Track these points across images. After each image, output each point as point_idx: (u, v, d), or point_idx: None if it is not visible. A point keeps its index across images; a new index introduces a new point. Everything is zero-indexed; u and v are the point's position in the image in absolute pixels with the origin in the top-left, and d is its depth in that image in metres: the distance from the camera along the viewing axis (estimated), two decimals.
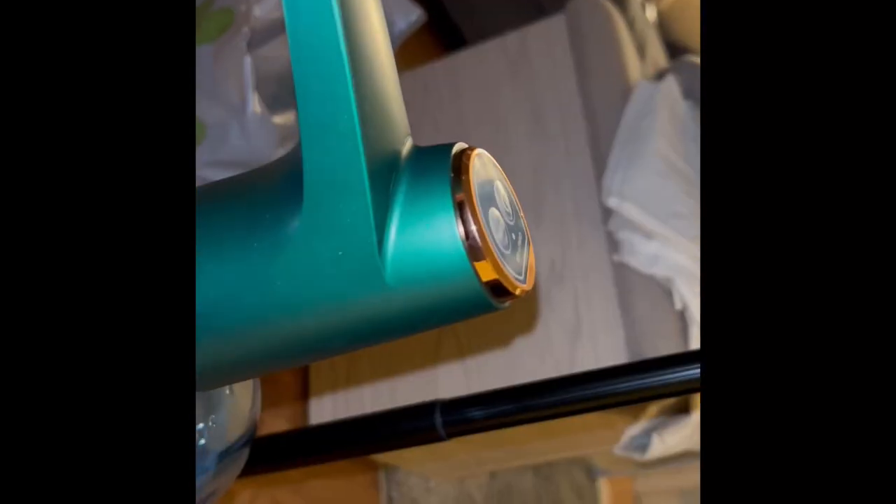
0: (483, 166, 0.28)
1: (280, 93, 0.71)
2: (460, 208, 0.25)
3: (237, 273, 0.26)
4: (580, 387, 0.42)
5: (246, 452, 0.42)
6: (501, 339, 0.87)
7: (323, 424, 0.48)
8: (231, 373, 0.31)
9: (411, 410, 0.45)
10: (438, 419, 0.44)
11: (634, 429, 0.92)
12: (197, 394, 0.36)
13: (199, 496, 0.39)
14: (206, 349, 0.28)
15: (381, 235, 0.25)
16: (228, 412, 0.39)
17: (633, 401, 0.43)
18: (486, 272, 0.25)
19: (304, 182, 0.25)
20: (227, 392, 0.39)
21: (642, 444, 0.92)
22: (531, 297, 0.87)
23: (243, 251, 0.26)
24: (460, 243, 0.25)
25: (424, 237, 0.25)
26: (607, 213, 0.87)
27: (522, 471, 1.45)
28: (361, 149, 0.24)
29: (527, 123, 1.00)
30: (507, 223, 0.28)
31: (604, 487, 1.76)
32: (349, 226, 0.25)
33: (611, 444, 1.03)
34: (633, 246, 0.83)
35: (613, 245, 0.87)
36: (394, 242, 0.25)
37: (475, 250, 0.25)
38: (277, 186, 0.27)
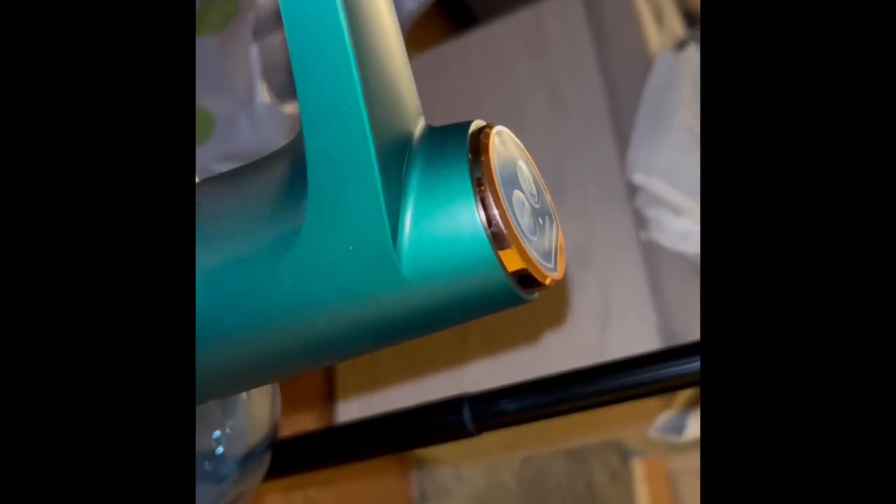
0: (503, 145, 0.25)
1: (289, 82, 0.69)
2: (481, 192, 0.23)
3: (242, 274, 0.24)
4: (614, 376, 0.40)
5: (268, 457, 0.40)
6: (529, 333, 0.85)
7: (349, 423, 0.46)
8: (245, 379, 0.29)
9: (438, 406, 0.43)
10: (467, 414, 0.42)
11: (668, 412, 0.90)
12: (212, 401, 0.35)
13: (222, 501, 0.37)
14: (216, 355, 0.26)
15: (394, 226, 0.23)
16: (246, 417, 0.37)
17: (671, 388, 0.41)
18: (512, 261, 0.23)
19: (308, 171, 0.23)
20: (245, 397, 0.37)
21: (679, 425, 0.90)
22: (560, 286, 0.84)
23: (247, 250, 0.24)
24: (482, 231, 0.23)
25: (442, 226, 0.23)
26: (632, 190, 0.84)
27: (554, 455, 1.43)
28: (369, 130, 0.22)
29: (544, 102, 0.97)
30: (532, 206, 0.25)
31: (638, 468, 1.74)
32: (360, 217, 0.23)
33: (644, 426, 1.01)
34: (662, 222, 0.80)
35: (640, 223, 0.84)
36: (409, 233, 0.23)
37: (499, 238, 0.23)
38: (280, 178, 0.25)
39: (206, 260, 0.25)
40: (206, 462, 0.34)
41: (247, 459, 0.38)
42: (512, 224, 0.23)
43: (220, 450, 0.35)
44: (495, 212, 0.23)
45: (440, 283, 0.23)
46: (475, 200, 0.23)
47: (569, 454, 1.48)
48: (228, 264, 0.25)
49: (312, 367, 0.28)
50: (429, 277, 0.23)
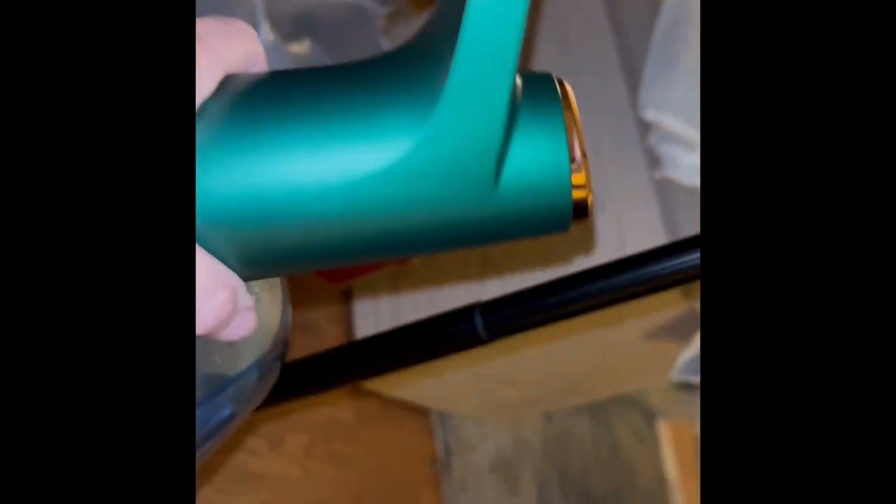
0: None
1: (296, 29, 0.69)
2: (570, 133, 0.27)
3: (337, 169, 0.26)
4: (618, 273, 0.40)
5: (277, 368, 0.40)
6: (546, 265, 0.85)
7: (362, 339, 0.47)
8: (299, 261, 0.30)
9: (450, 315, 0.43)
10: (479, 321, 0.42)
11: (688, 353, 0.90)
12: None
13: (235, 408, 0.38)
14: (284, 234, 0.27)
15: (503, 150, 0.26)
16: (261, 320, 0.37)
17: (674, 283, 0.41)
18: (579, 193, 0.27)
19: (446, 91, 0.25)
20: (255, 298, 0.37)
21: (698, 367, 0.89)
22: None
23: (351, 147, 0.26)
24: (568, 166, 0.27)
25: (537, 157, 0.27)
26: (645, 129, 0.84)
27: (578, 414, 1.43)
28: (514, 65, 0.25)
29: (553, 50, 0.96)
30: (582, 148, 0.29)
31: (663, 431, 1.74)
32: (480, 138, 0.25)
33: (664, 374, 1.01)
34: (675, 159, 0.79)
35: (653, 162, 0.83)
36: (509, 158, 0.26)
37: (578, 175, 0.27)
38: (398, 84, 0.27)
39: (308, 146, 0.26)
40: (217, 356, 0.35)
41: (262, 363, 0.38)
42: (588, 163, 0.27)
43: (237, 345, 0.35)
44: (578, 151, 0.27)
45: (519, 205, 0.27)
46: (567, 139, 0.27)
47: (592, 414, 1.47)
48: (326, 156, 0.26)
49: (363, 262, 0.30)
50: (512, 197, 0.27)
